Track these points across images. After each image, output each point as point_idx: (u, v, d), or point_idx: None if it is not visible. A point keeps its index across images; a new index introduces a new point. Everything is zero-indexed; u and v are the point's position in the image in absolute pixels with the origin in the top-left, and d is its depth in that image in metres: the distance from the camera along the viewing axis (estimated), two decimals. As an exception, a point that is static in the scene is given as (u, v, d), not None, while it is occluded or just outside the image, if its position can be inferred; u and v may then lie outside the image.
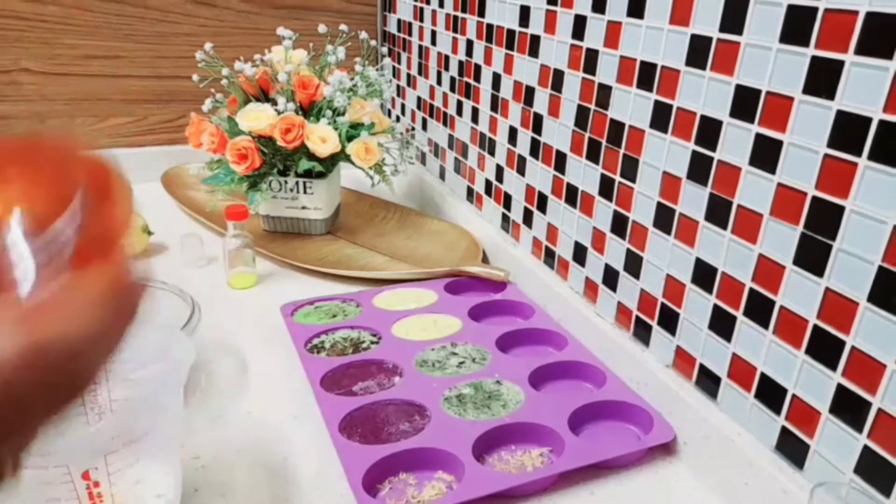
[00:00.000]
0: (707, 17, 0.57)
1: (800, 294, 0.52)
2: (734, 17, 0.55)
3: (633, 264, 0.71)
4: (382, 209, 1.16)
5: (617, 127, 0.70)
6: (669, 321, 0.66)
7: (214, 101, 1.02)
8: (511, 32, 0.89)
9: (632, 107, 0.68)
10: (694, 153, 0.61)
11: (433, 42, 1.15)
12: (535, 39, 0.83)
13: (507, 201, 0.97)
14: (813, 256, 0.50)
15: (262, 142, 0.97)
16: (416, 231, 1.08)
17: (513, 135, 0.92)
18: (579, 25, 0.74)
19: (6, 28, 1.11)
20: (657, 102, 0.64)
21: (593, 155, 0.75)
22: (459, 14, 1.03)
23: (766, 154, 0.53)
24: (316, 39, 1.06)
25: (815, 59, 0.48)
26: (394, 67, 1.35)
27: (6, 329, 0.21)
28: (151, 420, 0.47)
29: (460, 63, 1.05)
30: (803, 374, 0.52)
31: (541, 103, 0.84)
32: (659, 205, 0.66)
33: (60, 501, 0.44)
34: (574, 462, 0.59)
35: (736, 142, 0.56)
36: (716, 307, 0.60)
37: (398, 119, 1.38)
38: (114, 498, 0.46)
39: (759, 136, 0.54)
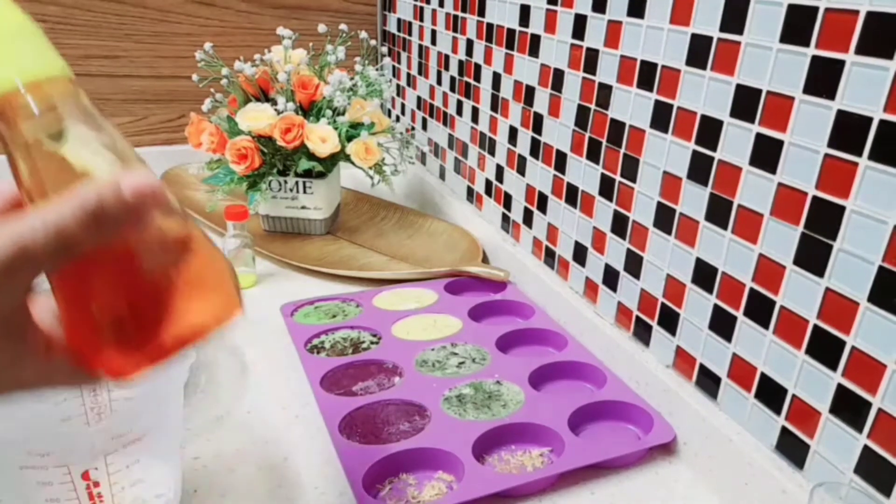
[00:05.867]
0: (707, 17, 0.57)
1: (800, 294, 0.52)
2: (734, 17, 0.55)
3: (634, 264, 0.71)
4: (382, 209, 1.16)
5: (617, 127, 0.70)
6: (670, 321, 0.66)
7: (214, 100, 1.02)
8: (511, 32, 0.89)
9: (632, 106, 0.68)
10: (694, 153, 0.61)
11: (433, 42, 1.14)
12: (536, 39, 0.83)
13: (507, 201, 0.97)
14: (813, 256, 0.50)
15: (262, 141, 0.96)
16: (416, 231, 1.08)
17: (513, 134, 0.92)
18: (579, 25, 0.74)
19: (6, 28, 1.11)
20: (657, 102, 0.64)
21: (593, 155, 0.75)
22: (459, 14, 1.03)
23: (766, 154, 0.53)
24: (316, 39, 1.06)
25: (815, 58, 0.48)
26: (394, 67, 1.35)
27: None
28: (151, 420, 0.47)
29: (460, 63, 1.05)
30: (803, 374, 0.52)
31: (541, 103, 0.84)
32: (659, 205, 0.66)
33: (60, 501, 0.44)
34: (574, 462, 0.59)
35: (736, 142, 0.56)
36: (716, 307, 0.60)
37: (398, 119, 1.38)
38: (114, 498, 0.46)
39: (759, 136, 0.54)
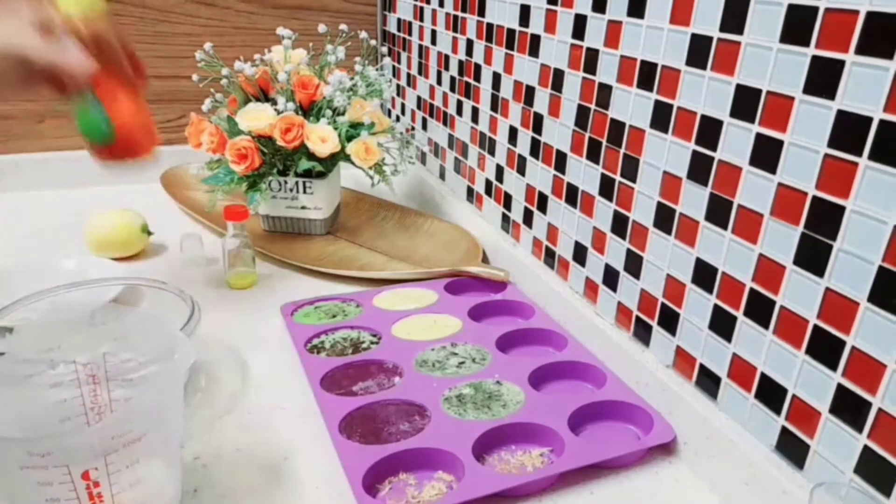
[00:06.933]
0: (707, 17, 0.57)
1: (800, 294, 0.52)
2: (734, 17, 0.55)
3: (634, 264, 0.71)
4: (382, 209, 1.16)
5: (617, 127, 0.70)
6: (670, 321, 0.66)
7: (214, 100, 1.02)
8: (511, 32, 0.89)
9: (632, 106, 0.68)
10: (694, 153, 0.61)
11: (433, 41, 1.15)
12: (536, 39, 0.83)
13: (507, 201, 0.97)
14: (813, 256, 0.50)
15: (262, 141, 0.96)
16: (416, 231, 1.08)
17: (513, 134, 0.92)
18: (579, 25, 0.74)
19: (6, 28, 1.11)
20: (657, 102, 0.64)
21: (594, 155, 0.75)
22: (459, 13, 1.03)
23: (766, 154, 0.53)
24: (316, 39, 1.06)
25: (815, 58, 0.48)
26: (394, 67, 1.35)
27: None
28: (151, 420, 0.47)
29: (460, 63, 1.05)
30: (803, 374, 0.52)
31: (541, 103, 0.84)
32: (659, 205, 0.66)
33: (60, 501, 0.44)
34: (574, 462, 0.59)
35: (736, 141, 0.56)
36: (716, 307, 0.60)
37: (398, 119, 1.38)
38: (114, 498, 0.46)
39: (759, 136, 0.54)
